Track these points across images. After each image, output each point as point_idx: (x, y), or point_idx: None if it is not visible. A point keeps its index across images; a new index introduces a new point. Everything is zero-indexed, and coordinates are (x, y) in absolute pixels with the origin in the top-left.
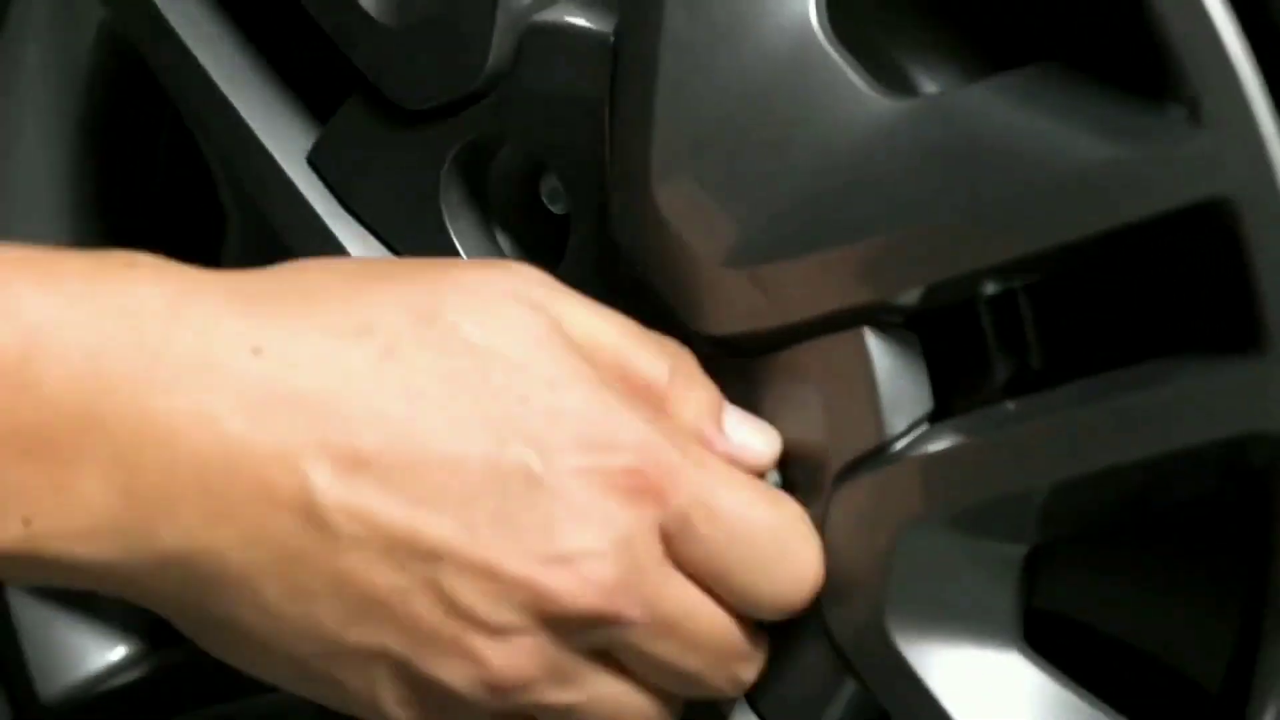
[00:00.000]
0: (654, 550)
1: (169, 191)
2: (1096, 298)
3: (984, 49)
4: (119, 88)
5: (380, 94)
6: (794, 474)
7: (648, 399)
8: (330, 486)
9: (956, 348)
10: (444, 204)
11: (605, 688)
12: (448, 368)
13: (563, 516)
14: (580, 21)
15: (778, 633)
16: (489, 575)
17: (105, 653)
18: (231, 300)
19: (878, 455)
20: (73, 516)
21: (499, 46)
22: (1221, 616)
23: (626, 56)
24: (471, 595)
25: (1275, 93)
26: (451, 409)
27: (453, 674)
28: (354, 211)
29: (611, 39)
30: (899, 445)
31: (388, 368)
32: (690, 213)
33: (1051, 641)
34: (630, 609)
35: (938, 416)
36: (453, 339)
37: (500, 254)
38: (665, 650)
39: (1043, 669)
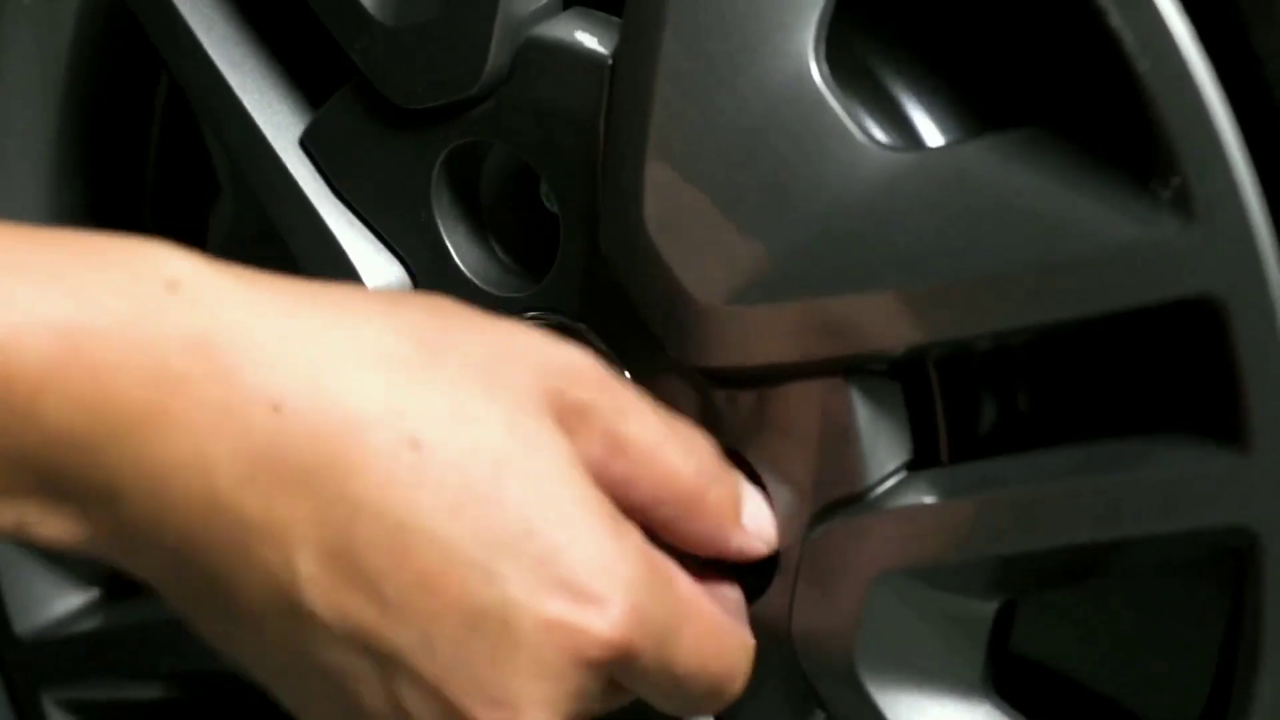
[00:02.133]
0: (599, 692)
1: (162, 163)
2: (1085, 361)
3: (982, 102)
4: (109, 59)
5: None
6: (773, 509)
7: (670, 498)
8: (311, 571)
9: (942, 397)
10: (434, 202)
11: None
12: (468, 478)
13: (520, 663)
14: (579, 40)
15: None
16: (434, 694)
17: (73, 597)
18: (266, 345)
19: (854, 501)
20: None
21: (496, 55)
22: (1196, 667)
23: (623, 81)
24: (413, 702)
25: (1269, 184)
26: (454, 522)
27: None
28: (343, 197)
29: (609, 61)
30: (876, 493)
31: (407, 459)
32: (678, 244)
33: (1025, 686)
34: None
35: (919, 463)
36: (484, 444)
37: (491, 254)
38: None
39: None
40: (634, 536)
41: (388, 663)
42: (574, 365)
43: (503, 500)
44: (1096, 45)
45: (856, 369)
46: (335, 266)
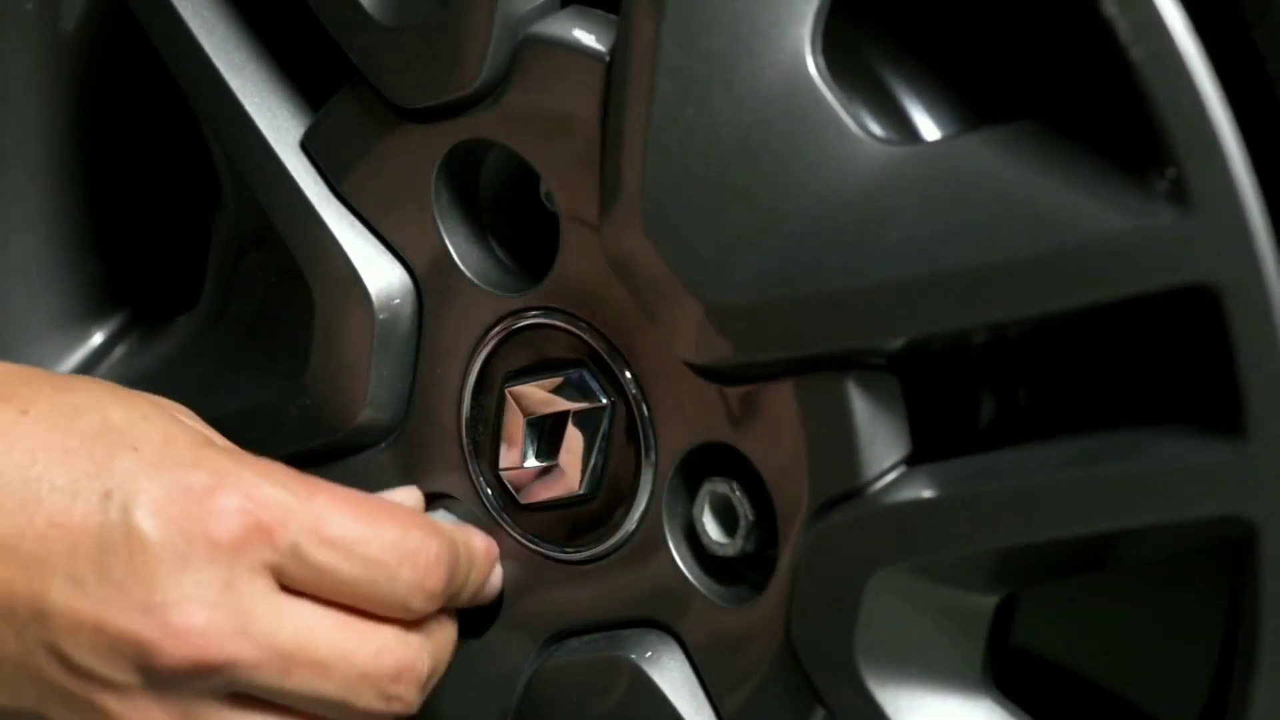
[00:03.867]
0: (260, 586)
1: (164, 159)
2: (1084, 352)
3: (979, 96)
4: (111, 62)
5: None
6: (775, 507)
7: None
8: None
9: (939, 390)
10: (435, 203)
11: None
12: (76, 427)
13: (162, 566)
14: (576, 38)
15: (751, 659)
16: (96, 630)
17: None
18: None
19: (852, 496)
20: None
21: (495, 55)
22: (1197, 662)
23: (620, 80)
24: (85, 653)
25: (1266, 177)
26: (70, 469)
27: None
28: (344, 198)
29: (606, 58)
30: (874, 488)
31: (21, 426)
32: (676, 242)
33: (1027, 680)
34: (239, 650)
35: (918, 458)
36: (88, 404)
37: (491, 255)
38: (296, 683)
39: (1015, 717)
40: (242, 453)
41: (46, 621)
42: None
43: (110, 434)
44: (1092, 35)
45: (854, 364)
46: (336, 269)
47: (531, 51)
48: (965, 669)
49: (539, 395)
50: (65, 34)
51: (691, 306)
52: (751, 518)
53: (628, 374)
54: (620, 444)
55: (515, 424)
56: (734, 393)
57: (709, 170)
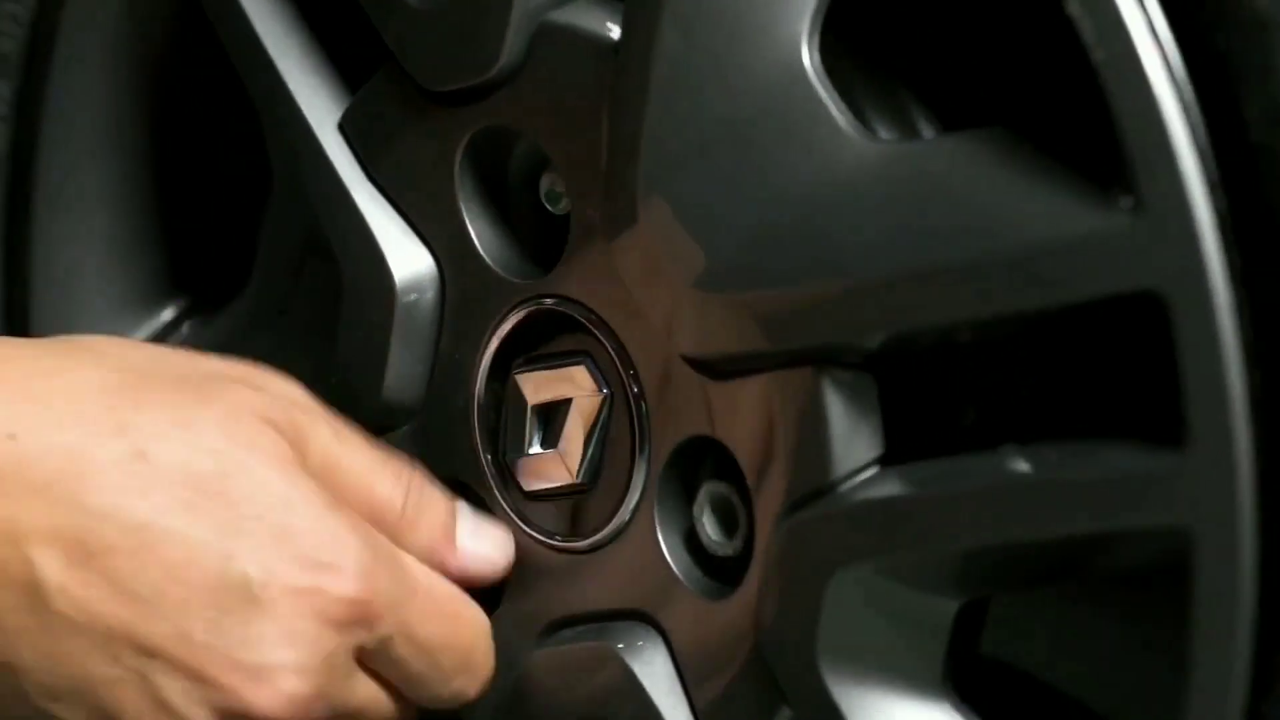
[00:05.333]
0: (349, 664)
1: (228, 147)
2: (1043, 359)
3: (962, 99)
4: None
5: (406, 71)
6: (753, 502)
7: (383, 522)
8: (57, 574)
9: (915, 392)
10: (459, 186)
11: None
12: (194, 475)
13: (270, 633)
14: (589, 25)
15: (725, 654)
16: (196, 679)
17: None
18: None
19: (823, 494)
20: None
21: (513, 40)
22: (1161, 670)
23: (623, 67)
24: (177, 695)
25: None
26: (188, 517)
27: None
28: (376, 180)
29: (615, 47)
30: (844, 486)
31: (136, 468)
32: (669, 230)
33: (994, 690)
34: (319, 713)
35: (892, 459)
36: (202, 449)
37: (512, 242)
38: None
39: None
40: (355, 517)
41: (146, 660)
42: (288, 391)
43: (229, 492)
44: (1061, 39)
45: (831, 361)
46: (365, 251)
47: (547, 38)
48: (925, 673)
49: (543, 382)
50: (141, 24)
51: (681, 297)
52: (739, 535)
53: (627, 365)
54: (617, 435)
55: (521, 410)
56: (720, 386)
57: (702, 159)
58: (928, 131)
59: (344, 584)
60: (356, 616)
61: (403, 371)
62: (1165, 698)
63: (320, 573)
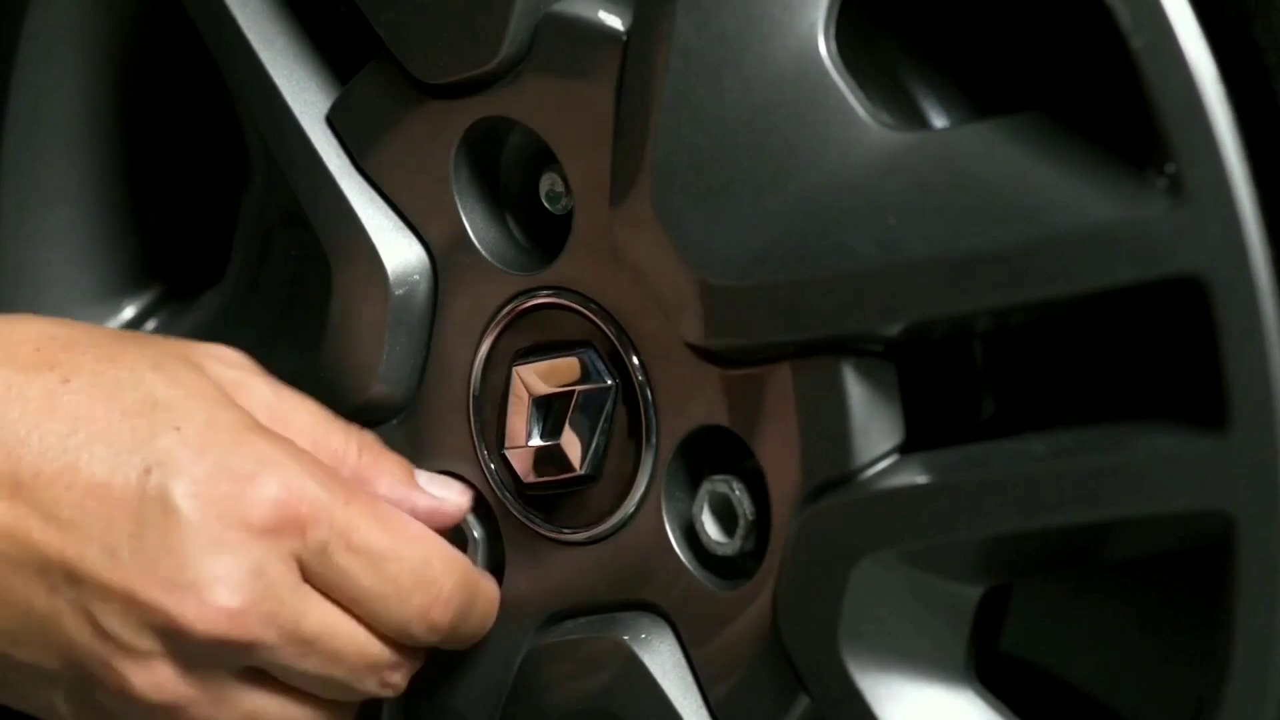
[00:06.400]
0: (288, 577)
1: (198, 136)
2: (1076, 344)
3: (986, 87)
4: (152, 28)
5: (399, 63)
6: (770, 490)
7: (337, 472)
8: None
9: (935, 380)
10: (454, 180)
11: (262, 704)
12: (117, 400)
13: (195, 546)
14: (596, 16)
15: (737, 646)
16: (127, 600)
17: None
18: None
19: (844, 482)
20: None
21: (515, 31)
22: (1184, 669)
23: (635, 58)
24: (113, 619)
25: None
26: (111, 439)
27: (105, 696)
28: (366, 173)
29: (624, 39)
30: (866, 475)
31: (63, 396)
32: (682, 221)
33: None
34: (263, 633)
35: (912, 446)
36: (130, 380)
37: (508, 235)
38: (310, 665)
39: (997, 711)
40: (288, 441)
41: (80, 587)
42: (229, 355)
43: (152, 414)
44: (1095, 25)
45: (851, 349)
46: (356, 244)
47: (552, 29)
48: (948, 660)
49: (545, 374)
50: (107, 9)
51: (695, 287)
52: (751, 517)
53: (633, 356)
54: (622, 425)
55: (521, 402)
56: (734, 376)
57: (717, 150)
58: (949, 120)
59: (265, 489)
60: (283, 522)
61: (395, 364)
62: (1187, 690)
63: (242, 481)
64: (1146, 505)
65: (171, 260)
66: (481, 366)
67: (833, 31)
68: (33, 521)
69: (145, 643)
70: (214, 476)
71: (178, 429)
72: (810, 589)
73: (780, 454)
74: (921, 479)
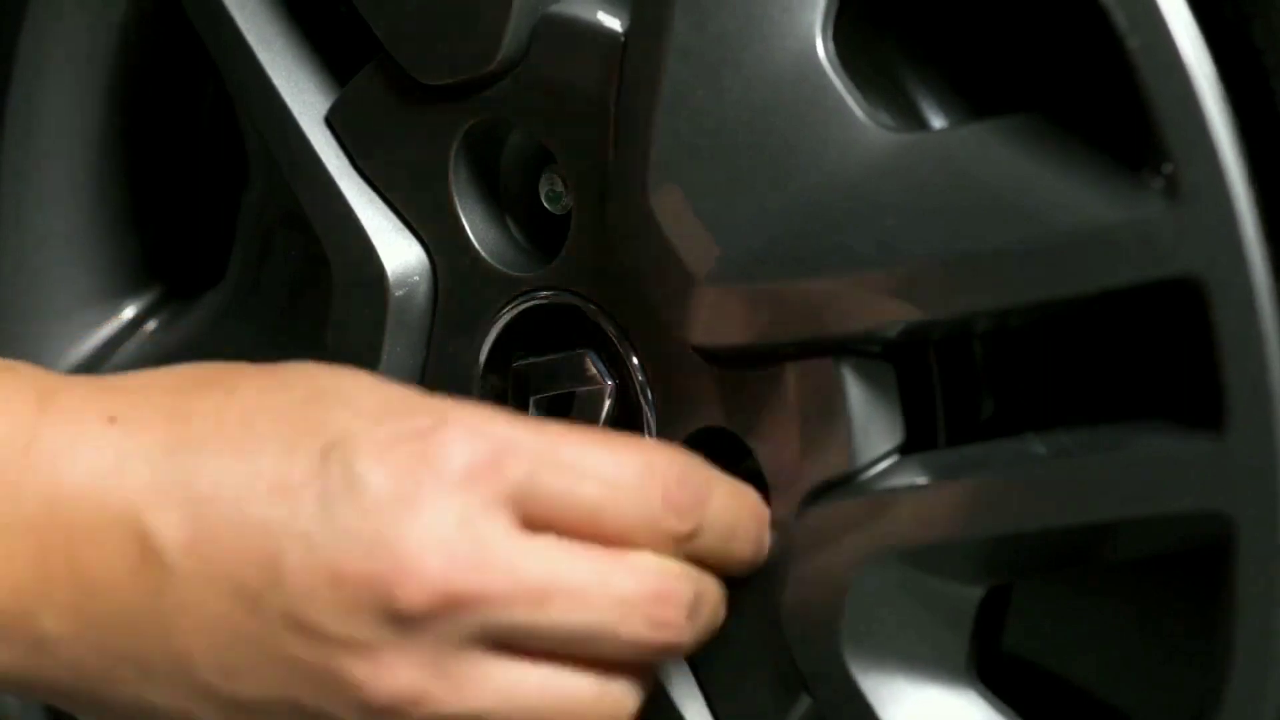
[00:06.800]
0: (499, 521)
1: (198, 136)
2: (1072, 346)
3: (982, 88)
4: (151, 28)
5: (398, 64)
6: (770, 491)
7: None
8: (173, 531)
9: (934, 381)
10: (453, 181)
11: (518, 679)
12: (286, 396)
13: (391, 509)
14: (594, 17)
15: (740, 641)
16: (332, 582)
17: None
18: (94, 385)
19: (844, 483)
20: None
21: (514, 32)
22: (1186, 669)
23: (633, 58)
24: (325, 614)
25: (1263, 176)
26: (281, 430)
27: (338, 706)
28: (365, 174)
29: (623, 38)
30: (866, 475)
31: (229, 406)
32: (681, 222)
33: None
34: (486, 585)
35: (912, 447)
36: (292, 378)
37: (508, 236)
38: (553, 615)
39: (999, 711)
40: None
41: (279, 585)
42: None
43: (322, 398)
44: (1093, 25)
45: (850, 350)
46: (355, 245)
47: (550, 29)
48: (950, 661)
49: (545, 374)
50: (106, 9)
51: (694, 287)
52: None
53: (632, 356)
54: (622, 426)
55: (522, 403)
56: (733, 377)
57: (716, 150)
58: (947, 121)
59: (450, 438)
60: (476, 467)
61: (394, 365)
62: (1186, 690)
63: (424, 437)
64: (1145, 506)
65: (171, 260)
66: (483, 367)
67: (830, 32)
68: (221, 531)
69: (363, 630)
70: (394, 439)
71: (348, 406)
72: (812, 590)
73: (780, 455)
74: (921, 480)
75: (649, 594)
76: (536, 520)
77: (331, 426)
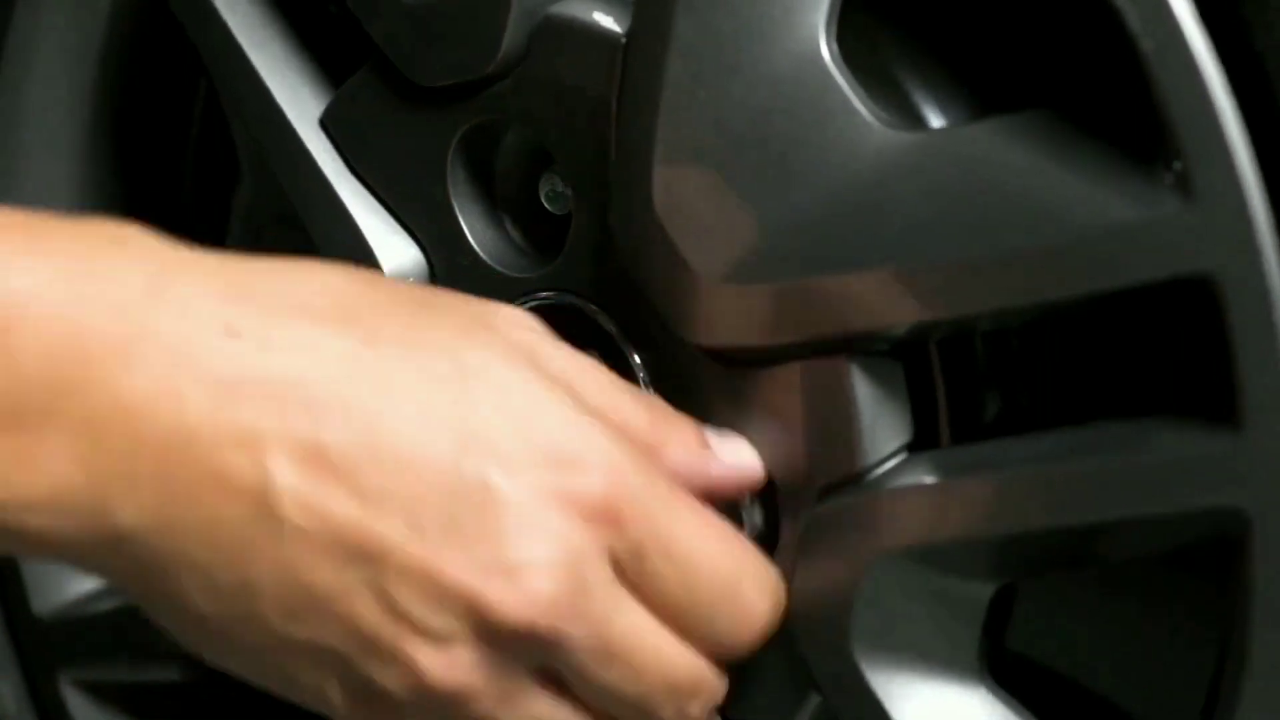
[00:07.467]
0: (604, 573)
1: (188, 138)
2: (1086, 344)
3: (988, 87)
4: (141, 31)
5: (394, 66)
6: (777, 490)
7: (635, 441)
8: (286, 477)
9: (943, 378)
10: (450, 181)
11: (548, 710)
12: (427, 368)
13: (513, 528)
14: (594, 19)
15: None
16: (430, 579)
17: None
18: (212, 281)
19: (853, 482)
20: (33, 487)
21: (513, 34)
22: (1194, 667)
23: (635, 60)
24: (411, 599)
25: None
26: (422, 408)
27: (389, 678)
28: (361, 176)
29: (623, 40)
30: (875, 474)
31: (366, 356)
32: (686, 222)
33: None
34: (573, 628)
35: (920, 445)
36: (437, 345)
37: (506, 237)
38: (611, 676)
39: (1010, 707)
40: (607, 422)
41: (376, 561)
42: (517, 316)
43: (465, 387)
44: (1103, 26)
45: (858, 349)
46: (352, 247)
47: (549, 31)
48: (960, 658)
49: None
50: (93, 9)
51: (699, 288)
52: (758, 518)
53: (635, 356)
54: None
55: None
56: (738, 376)
57: (719, 150)
58: (952, 120)
59: (592, 478)
60: (605, 514)
61: None
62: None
63: (565, 468)
64: (1160, 504)
65: None
66: None
67: (834, 32)
68: (332, 494)
69: (445, 624)
70: (537, 459)
71: (494, 401)
72: (823, 587)
73: (788, 453)
74: (932, 478)
75: (690, 688)
76: (626, 580)
77: (474, 420)
